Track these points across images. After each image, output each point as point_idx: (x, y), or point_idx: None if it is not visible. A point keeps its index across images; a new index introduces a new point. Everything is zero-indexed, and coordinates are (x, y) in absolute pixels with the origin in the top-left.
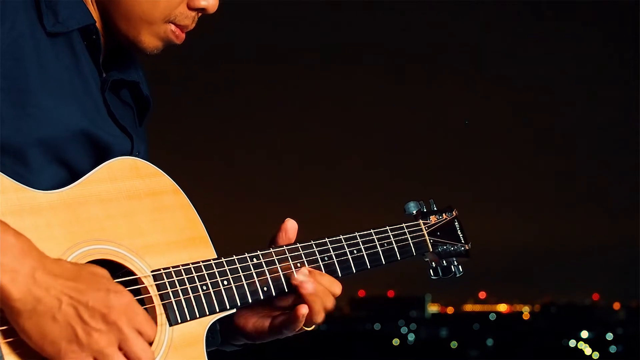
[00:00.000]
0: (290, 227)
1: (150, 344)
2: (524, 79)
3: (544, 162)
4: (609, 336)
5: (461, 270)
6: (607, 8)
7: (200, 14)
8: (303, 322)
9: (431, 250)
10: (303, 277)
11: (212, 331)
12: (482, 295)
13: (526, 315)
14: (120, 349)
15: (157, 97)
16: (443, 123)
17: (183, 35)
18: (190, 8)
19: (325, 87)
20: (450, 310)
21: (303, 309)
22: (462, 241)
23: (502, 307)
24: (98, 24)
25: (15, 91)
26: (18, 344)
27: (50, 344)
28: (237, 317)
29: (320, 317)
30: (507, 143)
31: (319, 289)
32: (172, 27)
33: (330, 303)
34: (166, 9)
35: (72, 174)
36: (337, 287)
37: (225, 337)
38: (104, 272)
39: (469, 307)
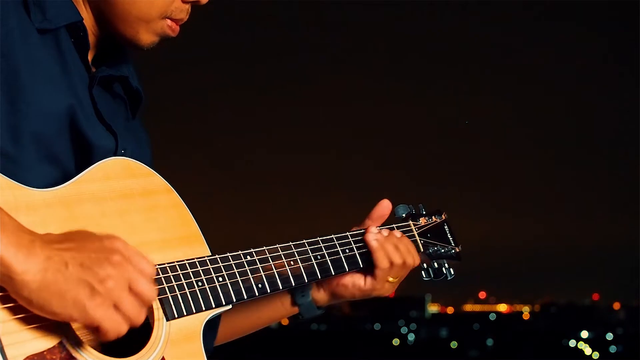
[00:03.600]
0: (384, 204)
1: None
2: (524, 78)
3: (545, 162)
4: (609, 336)
5: (452, 273)
6: (608, 8)
7: (192, 5)
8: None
9: (422, 250)
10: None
11: (302, 289)
12: (482, 295)
13: (526, 315)
14: (129, 290)
15: (152, 96)
16: (444, 123)
17: (178, 28)
18: (184, 1)
19: (325, 86)
20: (450, 310)
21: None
22: (453, 244)
23: (502, 307)
24: (88, 22)
25: (5, 87)
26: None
27: (72, 307)
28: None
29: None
30: (508, 143)
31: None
32: (169, 22)
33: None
34: (163, 6)
35: (62, 172)
36: (410, 258)
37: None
38: (83, 229)
39: (469, 307)
